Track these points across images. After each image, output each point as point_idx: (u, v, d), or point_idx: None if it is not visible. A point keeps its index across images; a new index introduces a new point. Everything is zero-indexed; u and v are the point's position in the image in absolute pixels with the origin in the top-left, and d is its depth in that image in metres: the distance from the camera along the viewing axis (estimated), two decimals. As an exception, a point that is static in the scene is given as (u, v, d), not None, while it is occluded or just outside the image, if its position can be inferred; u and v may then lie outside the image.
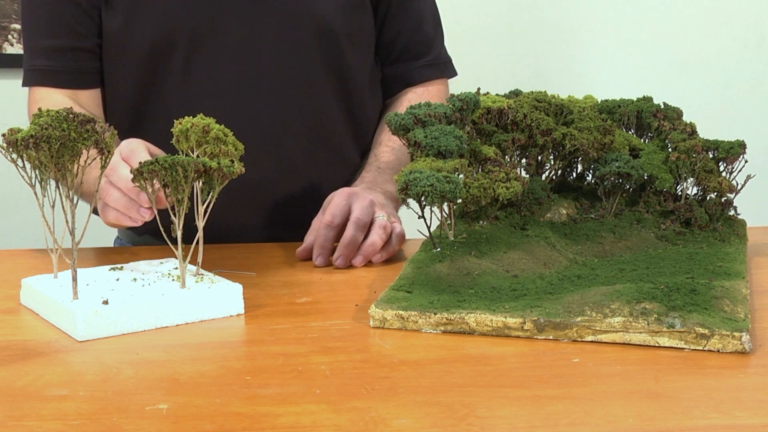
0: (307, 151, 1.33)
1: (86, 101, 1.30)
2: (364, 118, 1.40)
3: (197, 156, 0.90)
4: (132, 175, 0.87)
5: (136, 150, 1.02)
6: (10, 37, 2.47)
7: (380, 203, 1.16)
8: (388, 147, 1.35)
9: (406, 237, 1.17)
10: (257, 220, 1.33)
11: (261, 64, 1.28)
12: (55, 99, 1.27)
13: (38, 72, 1.29)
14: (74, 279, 0.85)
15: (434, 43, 1.44)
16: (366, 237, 1.11)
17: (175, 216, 0.87)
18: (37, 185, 0.83)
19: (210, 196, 0.88)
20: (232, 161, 0.89)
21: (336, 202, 1.14)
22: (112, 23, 1.26)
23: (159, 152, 1.05)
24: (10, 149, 0.80)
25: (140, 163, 0.86)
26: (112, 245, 1.47)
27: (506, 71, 2.63)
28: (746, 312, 0.81)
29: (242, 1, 1.26)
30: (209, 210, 0.88)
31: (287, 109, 1.31)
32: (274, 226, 1.33)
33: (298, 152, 1.32)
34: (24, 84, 1.32)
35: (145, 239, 1.39)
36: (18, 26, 2.47)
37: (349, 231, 1.10)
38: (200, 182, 0.87)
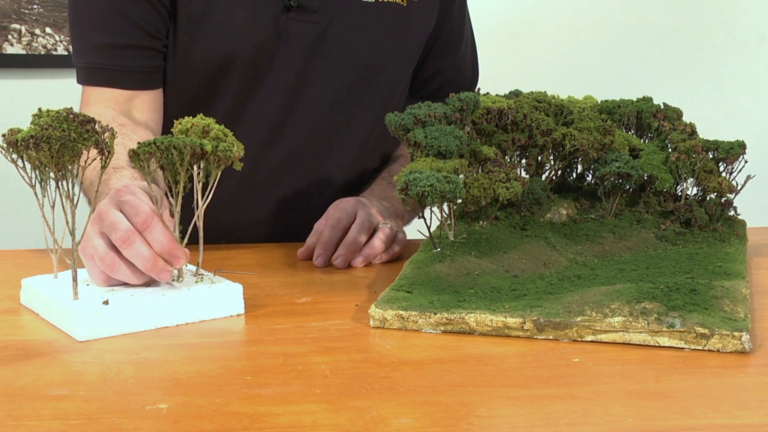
0: (333, 186, 1.34)
1: (144, 104, 1.24)
2: (390, 151, 1.41)
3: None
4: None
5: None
6: (10, 37, 2.47)
7: (384, 215, 1.16)
8: (402, 166, 1.35)
9: (407, 237, 1.17)
10: (265, 223, 1.34)
11: (309, 105, 1.28)
12: (106, 104, 1.21)
13: (97, 70, 1.23)
14: (74, 279, 0.85)
15: (470, 88, 1.44)
16: (368, 241, 1.11)
17: (172, 197, 0.87)
18: (37, 185, 0.83)
19: (211, 183, 0.87)
20: (233, 144, 0.88)
21: (342, 207, 1.14)
22: (175, 38, 1.23)
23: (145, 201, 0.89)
24: (11, 149, 0.80)
25: (138, 143, 0.85)
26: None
27: (506, 71, 2.63)
28: (746, 312, 0.81)
29: (306, 42, 1.24)
30: (208, 197, 0.88)
31: (324, 151, 1.31)
32: (280, 230, 1.34)
33: (327, 189, 1.34)
34: (80, 82, 1.25)
35: None
36: (18, 26, 2.47)
37: (353, 232, 1.10)
38: (198, 167, 0.87)
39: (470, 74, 1.45)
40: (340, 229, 1.11)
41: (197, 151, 0.85)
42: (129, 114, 1.22)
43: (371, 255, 1.10)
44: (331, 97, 1.28)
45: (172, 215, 0.88)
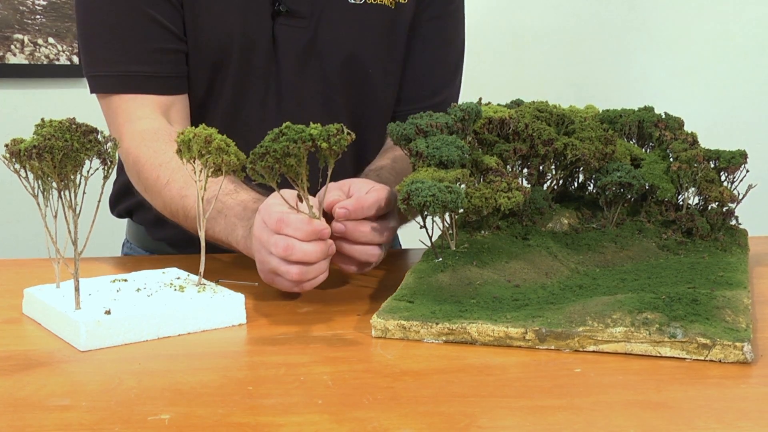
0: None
1: (180, 112, 1.23)
2: (375, 153, 1.36)
3: (200, 169, 0.90)
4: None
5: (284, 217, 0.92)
6: (12, 47, 2.48)
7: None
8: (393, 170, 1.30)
9: (409, 247, 1.17)
10: None
11: (302, 109, 1.26)
12: (155, 116, 1.19)
13: (137, 77, 1.19)
14: (77, 289, 0.85)
15: (449, 87, 1.38)
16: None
17: (299, 187, 0.90)
18: (40, 195, 0.83)
19: (324, 171, 0.90)
20: (343, 131, 0.88)
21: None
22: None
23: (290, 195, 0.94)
24: (14, 159, 0.80)
25: (251, 155, 0.88)
26: (119, 253, 1.47)
27: (507, 81, 2.64)
28: (748, 322, 0.81)
29: (296, 46, 1.24)
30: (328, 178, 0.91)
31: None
32: None
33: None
34: (106, 90, 1.21)
35: (160, 246, 1.38)
36: (20, 36, 2.48)
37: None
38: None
39: (450, 77, 1.38)
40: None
41: (311, 150, 0.88)
42: (168, 121, 1.20)
43: (364, 268, 1.05)
44: (325, 100, 1.28)
45: (300, 200, 0.92)
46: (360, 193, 0.99)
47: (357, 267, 1.02)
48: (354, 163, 1.33)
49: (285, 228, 0.91)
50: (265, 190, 0.98)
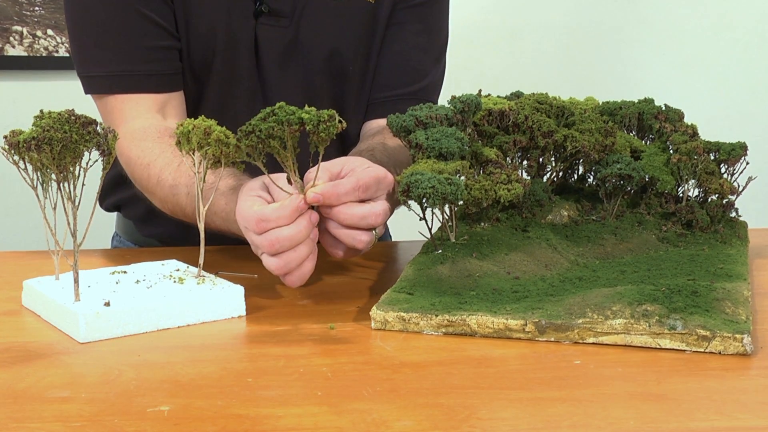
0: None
1: (175, 109, 1.22)
2: (355, 143, 1.33)
3: (199, 160, 0.90)
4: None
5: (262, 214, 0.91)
6: (11, 38, 2.47)
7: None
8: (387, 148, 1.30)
9: (408, 239, 1.17)
10: None
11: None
12: (150, 115, 1.18)
13: (131, 77, 1.18)
14: (76, 281, 0.85)
15: (429, 76, 1.34)
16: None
17: (287, 169, 0.89)
18: (39, 187, 0.83)
19: (315, 157, 0.89)
20: (332, 117, 0.88)
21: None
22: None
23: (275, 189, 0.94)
24: (12, 151, 0.80)
25: (238, 133, 0.87)
26: (109, 246, 1.47)
27: (507, 73, 2.64)
28: (747, 314, 0.81)
29: (278, 45, 1.23)
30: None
31: (305, 153, 1.28)
32: None
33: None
34: (100, 91, 1.20)
35: (149, 242, 1.38)
36: (19, 28, 2.48)
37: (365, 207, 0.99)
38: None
39: (427, 69, 1.34)
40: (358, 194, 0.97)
41: (297, 133, 0.87)
42: (164, 120, 1.19)
43: (351, 253, 0.99)
44: (307, 96, 1.27)
45: (290, 182, 0.91)
46: (352, 173, 0.96)
47: (344, 252, 0.96)
48: (336, 154, 1.31)
49: (267, 224, 0.90)
50: (249, 173, 0.98)
